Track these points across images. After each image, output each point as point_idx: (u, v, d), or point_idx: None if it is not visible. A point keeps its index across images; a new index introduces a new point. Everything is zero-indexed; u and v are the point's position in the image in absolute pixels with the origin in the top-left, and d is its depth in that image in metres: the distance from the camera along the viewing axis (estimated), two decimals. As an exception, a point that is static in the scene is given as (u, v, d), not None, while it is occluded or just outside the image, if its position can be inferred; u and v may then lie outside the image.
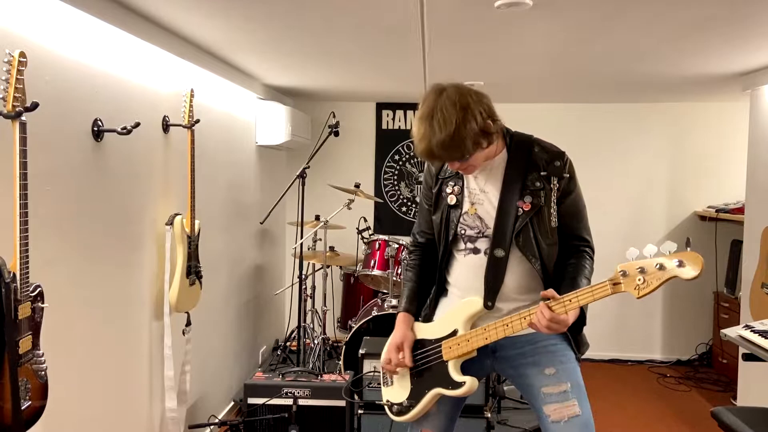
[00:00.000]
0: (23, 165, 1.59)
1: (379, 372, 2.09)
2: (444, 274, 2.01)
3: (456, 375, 1.87)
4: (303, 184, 4.06)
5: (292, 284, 4.38)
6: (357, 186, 4.19)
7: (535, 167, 1.86)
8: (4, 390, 1.58)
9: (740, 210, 4.36)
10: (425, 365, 1.94)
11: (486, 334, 1.83)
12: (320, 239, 4.43)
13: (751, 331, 2.29)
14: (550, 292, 1.71)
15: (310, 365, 4.11)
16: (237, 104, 3.92)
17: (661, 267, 1.57)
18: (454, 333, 1.89)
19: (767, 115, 3.74)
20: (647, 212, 5.15)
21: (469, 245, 1.92)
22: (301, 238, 4.05)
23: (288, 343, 4.54)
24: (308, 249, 4.53)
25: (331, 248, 4.28)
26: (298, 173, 4.01)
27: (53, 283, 1.90)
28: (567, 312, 1.69)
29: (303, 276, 4.13)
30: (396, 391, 2.01)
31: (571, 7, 2.37)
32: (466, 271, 1.93)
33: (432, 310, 2.04)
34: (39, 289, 1.69)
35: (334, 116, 4.05)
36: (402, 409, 1.98)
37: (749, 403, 3.66)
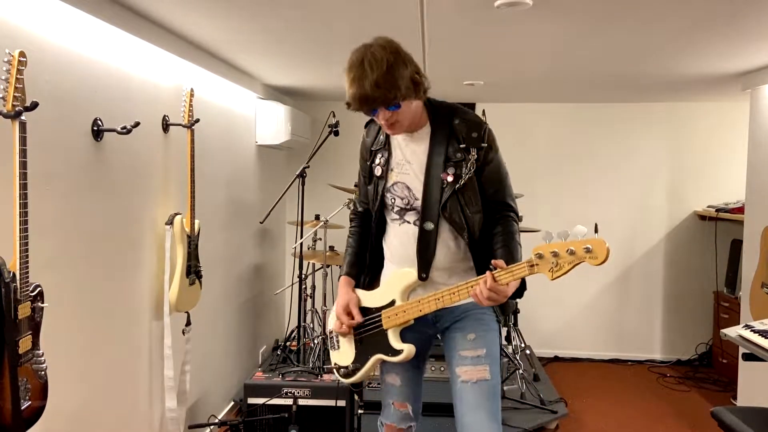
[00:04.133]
0: (23, 165, 1.59)
1: (332, 334, 2.18)
2: (380, 242, 2.11)
3: (395, 343, 1.99)
4: (303, 184, 4.06)
5: (292, 284, 4.38)
6: (357, 186, 4.19)
7: (456, 139, 1.93)
8: (4, 390, 1.58)
9: (740, 210, 4.36)
10: (367, 332, 2.05)
11: (420, 306, 1.93)
12: (320, 239, 4.43)
13: (751, 331, 2.29)
14: (500, 262, 1.78)
15: (310, 365, 4.11)
16: (237, 104, 3.92)
17: (572, 252, 1.67)
18: (392, 303, 1.99)
19: (767, 115, 3.73)
20: (647, 212, 5.15)
21: (399, 217, 2.01)
22: (301, 237, 4.05)
23: (288, 343, 4.54)
24: (308, 249, 4.53)
25: (331, 248, 4.28)
26: (298, 173, 4.01)
27: (53, 283, 1.90)
28: (509, 282, 1.77)
29: (303, 276, 4.13)
30: (343, 355, 2.13)
31: (571, 7, 2.37)
32: (400, 241, 2.02)
33: (373, 276, 2.13)
34: (39, 288, 1.69)
35: (334, 116, 4.04)
36: (348, 372, 2.10)
37: (749, 403, 3.67)
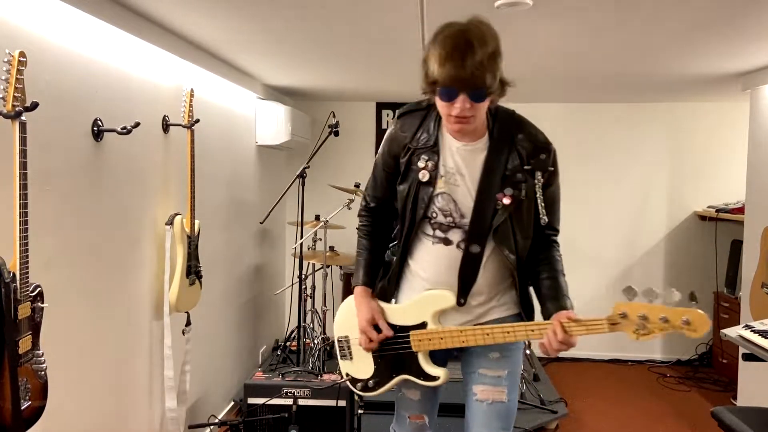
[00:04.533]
0: (23, 165, 1.59)
1: (342, 343, 2.00)
2: (407, 253, 1.86)
3: (429, 367, 1.84)
4: (303, 184, 4.06)
5: (292, 284, 4.38)
6: (357, 186, 4.19)
7: (519, 157, 1.73)
8: (4, 390, 1.58)
9: (740, 210, 4.36)
10: (391, 349, 1.88)
11: (463, 337, 1.77)
12: (320, 239, 4.43)
13: (751, 331, 2.29)
14: (571, 314, 1.67)
15: (310, 365, 4.11)
16: (237, 104, 3.92)
17: (665, 320, 1.62)
18: (423, 325, 1.82)
19: (767, 115, 3.73)
20: (647, 212, 5.15)
21: (439, 233, 1.78)
22: (301, 238, 4.05)
23: (288, 343, 4.54)
24: (308, 249, 4.53)
25: (331, 248, 4.28)
26: (298, 173, 4.01)
27: (53, 283, 1.90)
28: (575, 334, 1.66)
29: (303, 276, 4.13)
30: (357, 367, 1.97)
31: (571, 7, 2.37)
32: (436, 262, 1.80)
33: (393, 285, 1.90)
34: (39, 289, 1.69)
35: (334, 116, 4.04)
36: (366, 387, 1.96)
37: (749, 403, 3.67)
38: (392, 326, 1.87)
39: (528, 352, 4.43)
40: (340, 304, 4.09)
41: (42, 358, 1.72)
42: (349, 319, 1.96)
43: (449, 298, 1.79)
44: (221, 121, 3.63)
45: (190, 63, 3.04)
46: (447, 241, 1.78)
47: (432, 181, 1.75)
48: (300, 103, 5.15)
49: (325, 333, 4.38)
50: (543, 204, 1.73)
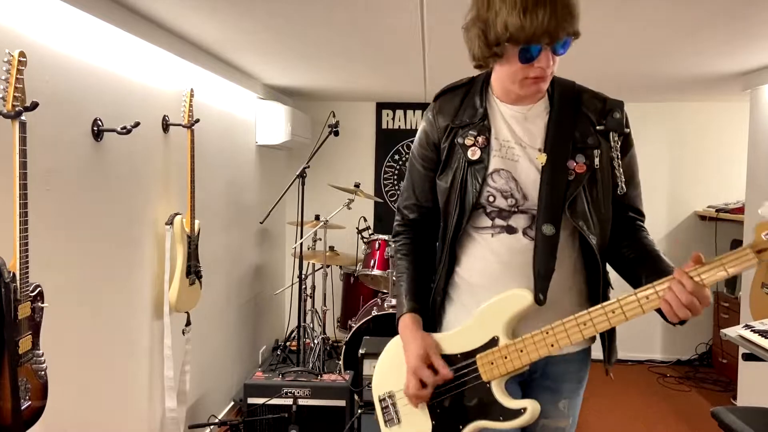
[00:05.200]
0: (23, 165, 1.59)
1: (386, 402, 1.53)
2: (453, 260, 1.49)
3: (507, 400, 1.37)
4: (303, 184, 4.06)
5: (292, 284, 4.38)
6: (357, 186, 4.19)
7: (588, 118, 1.44)
8: (4, 390, 1.58)
9: (740, 210, 4.36)
10: (451, 391, 1.43)
11: (551, 337, 1.33)
12: (320, 239, 4.43)
13: (751, 331, 2.29)
14: (697, 254, 1.28)
15: (310, 365, 4.11)
16: (237, 104, 3.92)
17: None
18: (493, 342, 1.38)
19: (767, 115, 3.73)
20: (647, 212, 5.06)
21: (499, 222, 1.43)
22: (301, 238, 4.05)
23: (288, 343, 4.54)
24: (308, 249, 4.53)
25: (331, 248, 4.28)
26: (298, 173, 4.01)
27: (53, 283, 1.90)
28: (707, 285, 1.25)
29: (303, 276, 4.13)
30: (408, 431, 1.49)
31: (571, 7, 2.37)
32: (494, 260, 1.43)
33: (437, 315, 1.53)
34: (39, 288, 1.69)
35: (334, 116, 4.05)
36: None
37: (749, 403, 3.66)
38: (451, 357, 1.44)
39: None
40: (341, 304, 3.96)
41: (42, 358, 1.72)
42: (393, 369, 1.51)
43: (525, 297, 1.37)
44: (221, 121, 3.63)
45: (190, 63, 3.04)
46: (510, 229, 1.42)
47: (484, 159, 1.42)
48: (300, 103, 5.14)
49: (325, 333, 4.38)
50: (611, 172, 1.44)
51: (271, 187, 4.67)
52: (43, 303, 1.71)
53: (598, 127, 1.44)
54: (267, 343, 4.78)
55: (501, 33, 1.27)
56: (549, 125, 1.43)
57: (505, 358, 1.37)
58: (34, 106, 1.62)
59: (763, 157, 3.75)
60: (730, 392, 4.31)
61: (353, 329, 3.78)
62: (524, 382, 1.50)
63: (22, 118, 1.60)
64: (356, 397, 3.12)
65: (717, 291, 4.89)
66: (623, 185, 1.45)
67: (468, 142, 1.45)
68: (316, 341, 4.27)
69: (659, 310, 1.29)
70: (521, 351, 1.36)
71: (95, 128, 2.24)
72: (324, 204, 4.74)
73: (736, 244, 4.62)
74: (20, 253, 1.59)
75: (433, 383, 1.42)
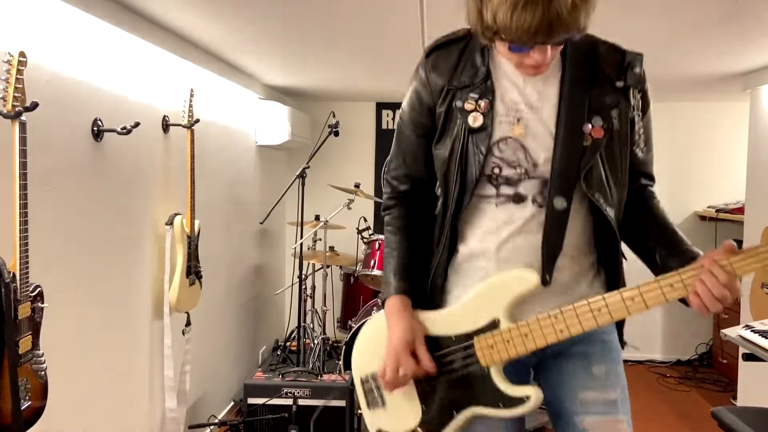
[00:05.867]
0: (23, 165, 1.59)
1: (369, 384, 1.42)
2: (456, 239, 1.34)
3: (508, 386, 1.25)
4: (303, 184, 4.06)
5: (292, 284, 4.38)
6: (357, 186, 4.19)
7: (605, 75, 1.28)
8: (4, 390, 1.58)
9: (740, 210, 4.36)
10: (446, 374, 1.31)
11: (561, 323, 1.20)
12: (320, 239, 4.43)
13: (751, 331, 2.29)
14: (730, 243, 1.17)
15: (310, 365, 4.11)
16: (237, 104, 3.92)
17: None
18: (493, 325, 1.26)
19: (767, 115, 3.73)
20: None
21: (506, 190, 1.28)
22: (301, 238, 4.05)
23: (288, 343, 4.54)
24: (308, 249, 4.52)
25: (331, 248, 4.28)
26: (298, 173, 4.01)
27: (53, 283, 1.90)
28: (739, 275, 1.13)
29: (303, 276, 4.13)
30: (394, 417, 1.37)
31: (571, 7, 2.37)
32: (501, 231, 1.28)
33: (438, 291, 1.37)
34: (39, 289, 1.69)
35: (334, 116, 4.04)
36: None
37: (749, 403, 3.66)
38: (443, 338, 1.31)
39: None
40: (341, 304, 3.96)
41: (42, 358, 1.72)
42: (377, 348, 1.36)
43: (530, 278, 1.24)
44: (221, 121, 3.63)
45: (191, 63, 3.04)
46: (518, 198, 1.28)
47: (487, 126, 1.26)
48: (300, 103, 5.14)
49: (325, 333, 4.38)
50: (642, 132, 1.31)
51: (271, 187, 4.67)
52: (43, 303, 1.71)
53: (617, 84, 1.27)
54: (267, 343, 4.78)
55: (491, 23, 1.12)
56: (562, 85, 1.26)
57: (507, 342, 1.23)
58: (34, 106, 1.62)
59: (763, 157, 3.75)
60: (730, 392, 4.31)
61: (353, 329, 3.78)
62: (547, 359, 1.35)
63: (22, 118, 1.59)
64: (356, 397, 3.11)
65: (717, 291, 4.89)
66: (643, 147, 1.32)
67: (468, 106, 1.28)
68: (316, 341, 4.27)
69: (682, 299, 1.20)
70: (526, 336, 1.22)
71: (95, 128, 2.24)
72: (324, 204, 4.73)
73: (737, 244, 4.61)
74: (20, 253, 1.59)
75: (412, 374, 1.30)
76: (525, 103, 1.27)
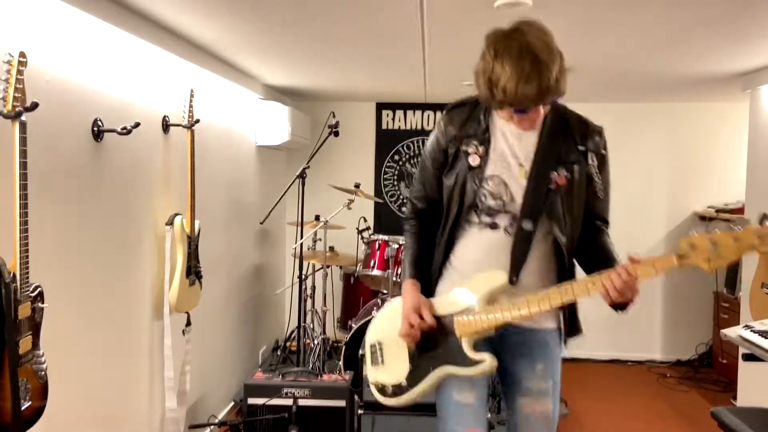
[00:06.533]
0: (23, 165, 1.59)
1: (375, 347, 1.88)
2: (449, 246, 1.81)
3: (472, 352, 1.69)
4: (303, 184, 4.06)
5: (292, 284, 4.38)
6: (357, 186, 4.19)
7: (573, 139, 1.73)
8: (4, 390, 1.58)
9: (740, 210, 4.36)
10: (429, 342, 1.75)
11: (515, 310, 1.65)
12: (320, 239, 4.43)
13: (751, 331, 2.29)
14: (636, 256, 1.58)
15: (310, 365, 4.11)
16: (237, 104, 3.92)
17: (737, 239, 1.50)
18: (470, 308, 1.71)
19: (767, 115, 3.74)
20: (647, 212, 5.15)
21: (486, 219, 1.74)
22: (301, 238, 4.05)
23: (288, 343, 4.54)
24: (308, 249, 4.52)
25: (331, 248, 4.28)
26: (298, 173, 4.01)
27: (53, 283, 1.90)
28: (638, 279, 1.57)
29: (303, 276, 4.13)
30: (389, 371, 1.82)
31: (571, 7, 2.37)
32: (480, 249, 1.75)
33: (432, 287, 1.85)
34: (39, 289, 1.69)
35: (334, 116, 4.04)
36: (398, 390, 1.79)
37: (749, 403, 3.66)
38: (436, 317, 1.76)
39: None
40: (341, 304, 4.02)
41: (42, 359, 1.72)
42: (387, 321, 1.87)
43: (500, 276, 1.69)
44: (221, 121, 3.63)
45: (191, 63, 3.04)
46: (494, 226, 1.73)
47: (482, 165, 1.72)
48: (300, 103, 5.15)
49: (325, 333, 4.38)
50: (586, 186, 1.73)
51: (271, 187, 4.67)
52: (43, 303, 1.71)
53: (579, 147, 1.73)
54: (267, 343, 4.78)
55: (500, 95, 1.55)
56: (539, 142, 1.72)
57: (476, 321, 1.69)
58: (34, 106, 1.62)
59: (763, 157, 3.75)
60: (730, 392, 4.31)
61: (353, 329, 3.78)
62: (502, 351, 1.77)
63: (22, 118, 1.60)
64: (356, 397, 3.12)
65: (717, 291, 4.89)
66: (602, 191, 1.76)
67: (470, 150, 1.74)
68: (316, 341, 4.27)
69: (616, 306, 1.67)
70: (490, 315, 1.68)
71: (95, 128, 2.24)
72: (324, 204, 4.73)
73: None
74: (20, 253, 1.59)
75: (419, 326, 1.74)
76: (511, 152, 1.73)
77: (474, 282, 1.73)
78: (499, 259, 1.71)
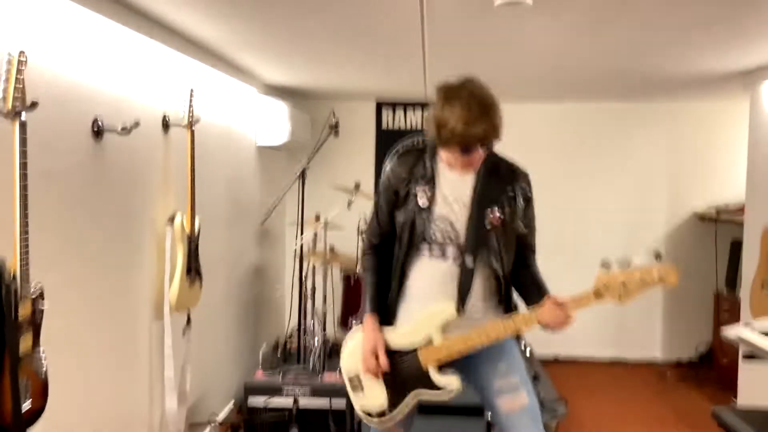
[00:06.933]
0: (23, 165, 1.59)
1: (352, 377, 2.11)
2: (403, 276, 2.05)
3: (439, 378, 1.97)
4: (303, 184, 4.06)
5: (292, 284, 4.37)
6: (357, 186, 4.19)
7: (504, 184, 2.02)
8: (5, 390, 1.58)
9: (740, 210, 4.36)
10: (400, 369, 2.01)
11: (469, 341, 1.93)
12: (320, 239, 4.43)
13: (751, 331, 2.29)
14: (560, 297, 1.88)
15: (311, 365, 4.11)
16: (237, 104, 3.92)
17: (643, 280, 1.82)
18: (429, 341, 1.97)
19: (767, 115, 3.73)
20: (647, 212, 5.15)
21: (437, 251, 2.00)
22: (301, 238, 4.05)
23: (288, 343, 4.53)
24: (308, 249, 4.52)
25: (331, 248, 4.28)
26: (298, 173, 4.01)
27: (53, 282, 1.90)
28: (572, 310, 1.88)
29: (303, 276, 4.13)
30: (370, 397, 2.08)
31: (571, 7, 2.37)
32: (431, 276, 2.01)
33: (392, 313, 2.08)
34: (39, 288, 1.69)
35: (334, 115, 4.04)
36: (383, 413, 2.05)
37: (749, 403, 3.66)
38: (402, 348, 2.01)
39: (528, 352, 4.43)
40: (341, 304, 4.06)
41: (42, 358, 1.72)
42: (356, 354, 2.09)
43: (449, 308, 1.96)
44: (221, 120, 3.63)
45: (191, 62, 3.04)
46: (444, 257, 1.99)
47: (431, 206, 1.99)
48: (300, 103, 5.14)
49: (325, 333, 4.38)
50: (518, 223, 2.03)
51: (271, 187, 4.66)
52: (43, 303, 1.71)
53: (508, 192, 2.01)
54: (267, 342, 4.77)
55: (449, 136, 1.85)
56: (476, 186, 2.00)
57: (437, 351, 1.96)
58: (34, 105, 1.62)
59: (763, 157, 3.75)
60: (730, 392, 4.31)
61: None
62: (464, 365, 2.00)
63: (22, 118, 1.59)
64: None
65: (717, 291, 4.89)
66: (523, 230, 2.05)
67: (419, 192, 2.00)
68: (316, 341, 4.26)
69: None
70: (448, 348, 1.95)
71: (95, 128, 2.24)
72: (324, 204, 4.73)
73: (736, 244, 4.62)
74: (20, 253, 1.59)
75: (374, 370, 2.01)
76: (453, 195, 2.00)
77: (427, 316, 1.98)
78: (448, 286, 1.98)
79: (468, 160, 1.92)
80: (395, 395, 2.03)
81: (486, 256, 1.98)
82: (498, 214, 1.97)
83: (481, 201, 1.98)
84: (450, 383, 1.96)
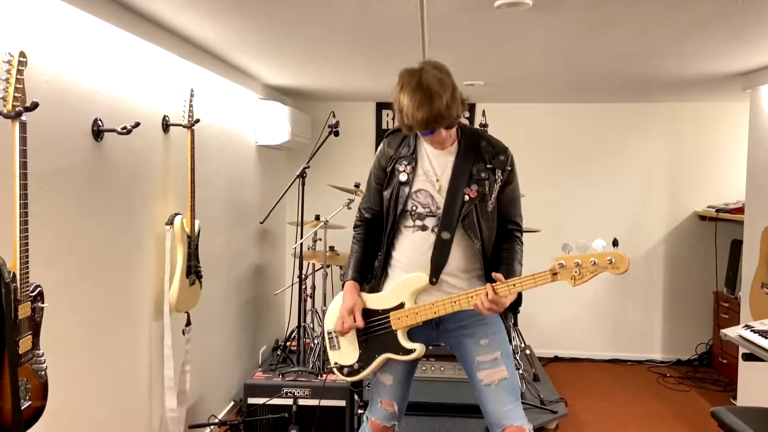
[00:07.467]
0: (23, 165, 1.59)
1: (331, 335, 2.25)
2: (390, 247, 2.18)
3: (406, 342, 2.10)
4: (303, 184, 4.06)
5: (292, 284, 4.38)
6: (357, 186, 4.19)
7: (482, 159, 2.09)
8: (4, 390, 1.58)
9: (740, 210, 4.36)
10: (374, 333, 2.15)
11: (435, 308, 2.04)
12: (320, 239, 4.43)
13: (751, 331, 2.29)
14: (499, 275, 1.96)
15: (310, 365, 4.11)
16: (237, 104, 3.92)
17: (594, 263, 1.88)
18: (401, 305, 2.09)
19: (767, 115, 3.74)
20: (647, 212, 5.15)
21: (418, 222, 2.11)
22: (301, 238, 4.05)
23: (288, 343, 4.54)
24: (308, 249, 4.52)
25: (331, 248, 4.28)
26: (298, 173, 4.01)
27: (53, 283, 1.90)
28: (508, 295, 1.95)
29: (303, 276, 4.13)
30: (345, 355, 2.21)
31: (570, 7, 2.37)
32: (412, 247, 2.11)
33: (378, 280, 2.20)
34: (39, 288, 1.69)
35: (334, 116, 4.04)
36: (352, 371, 2.19)
37: (749, 403, 3.67)
38: (374, 311, 2.15)
39: (528, 352, 4.43)
40: None
41: (42, 358, 1.72)
42: (336, 313, 2.22)
43: (422, 278, 2.07)
44: (221, 121, 3.63)
45: (191, 63, 3.04)
46: (424, 227, 2.10)
47: (410, 181, 2.11)
48: (300, 103, 5.14)
49: (323, 333, 4.37)
50: (496, 196, 2.10)
51: (271, 187, 4.67)
52: (43, 303, 1.71)
53: (488, 165, 2.09)
54: (267, 343, 4.78)
55: (404, 121, 1.96)
56: (456, 161, 2.09)
57: (407, 316, 2.08)
58: (34, 106, 1.62)
59: (763, 157, 3.75)
60: (730, 392, 4.31)
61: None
62: (454, 337, 2.14)
63: (22, 118, 1.59)
64: (356, 397, 3.12)
65: (717, 291, 4.90)
66: (495, 207, 2.11)
67: (401, 168, 2.13)
68: (316, 341, 4.27)
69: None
70: (416, 313, 2.07)
71: (95, 128, 2.24)
72: (324, 204, 4.73)
73: (736, 244, 4.62)
74: (20, 253, 1.59)
75: (350, 327, 2.14)
76: (433, 170, 2.11)
77: (402, 283, 2.11)
78: (428, 257, 2.08)
79: (436, 138, 2.01)
80: (366, 355, 2.16)
81: (464, 228, 2.06)
82: (475, 187, 2.06)
83: (458, 175, 2.07)
84: (414, 347, 2.09)
